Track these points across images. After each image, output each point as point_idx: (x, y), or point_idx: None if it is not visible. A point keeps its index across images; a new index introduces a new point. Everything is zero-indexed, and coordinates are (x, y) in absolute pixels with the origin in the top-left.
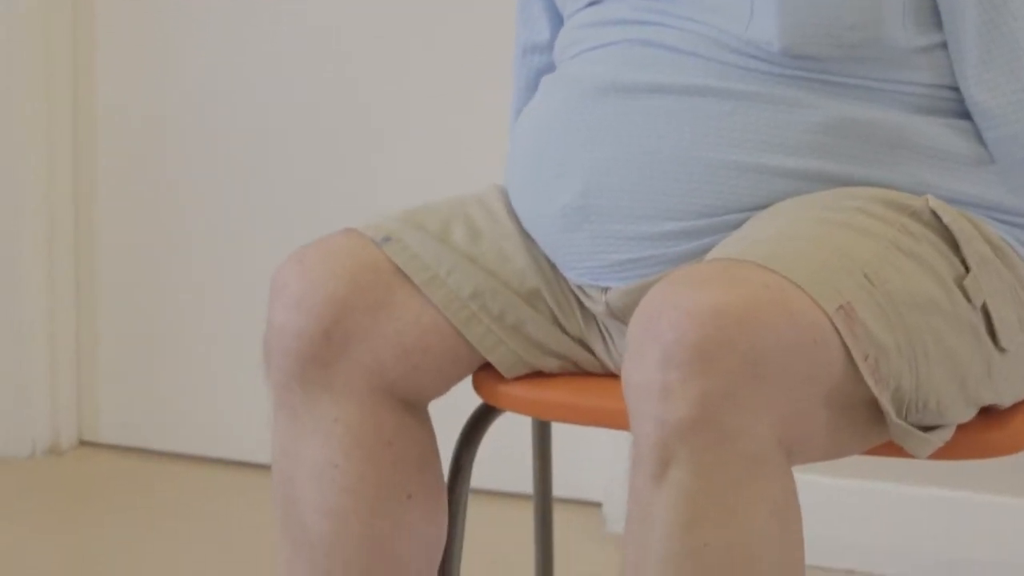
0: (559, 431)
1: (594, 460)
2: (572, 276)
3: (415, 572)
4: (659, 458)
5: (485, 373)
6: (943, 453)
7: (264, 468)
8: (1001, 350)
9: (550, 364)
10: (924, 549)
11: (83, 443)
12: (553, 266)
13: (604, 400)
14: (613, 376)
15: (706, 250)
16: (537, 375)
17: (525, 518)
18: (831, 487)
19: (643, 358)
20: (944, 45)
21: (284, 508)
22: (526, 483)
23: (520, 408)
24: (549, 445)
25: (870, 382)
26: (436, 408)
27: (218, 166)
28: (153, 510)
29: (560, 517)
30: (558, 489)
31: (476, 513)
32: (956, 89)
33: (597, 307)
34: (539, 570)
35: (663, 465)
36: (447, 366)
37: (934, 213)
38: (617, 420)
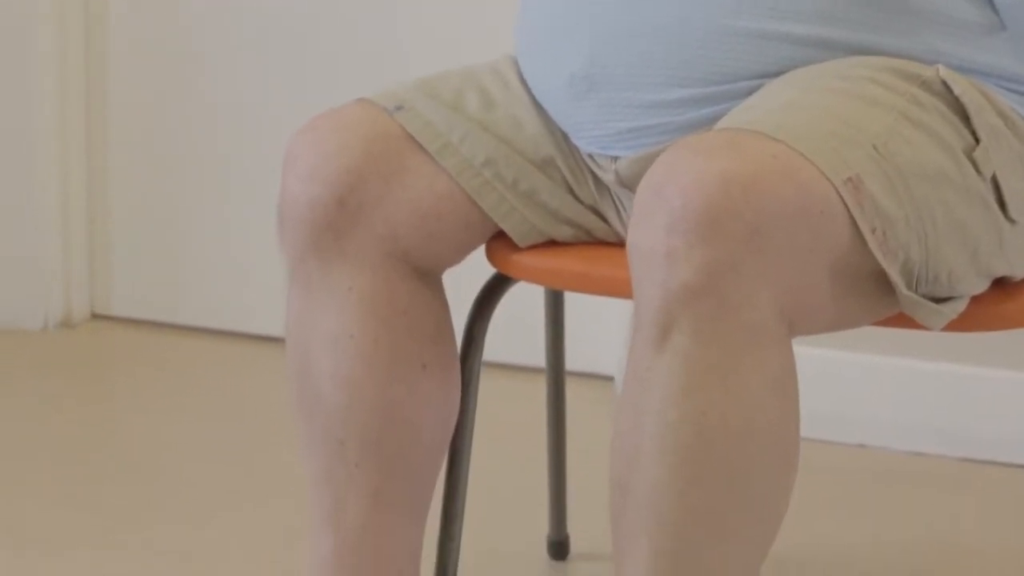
0: (572, 304)
1: (607, 334)
2: (582, 145)
3: (429, 442)
4: (661, 324)
5: (498, 242)
6: (956, 325)
7: (278, 341)
8: (1011, 221)
9: (564, 232)
10: (935, 424)
11: (95, 316)
12: (566, 135)
13: (617, 269)
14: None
15: (715, 119)
16: (550, 244)
17: (538, 391)
18: (844, 361)
19: (649, 224)
20: None
21: (299, 378)
22: (539, 357)
23: (533, 277)
24: (562, 317)
25: (877, 255)
26: (449, 281)
27: (233, 36)
28: (166, 383)
29: (573, 391)
30: (571, 363)
31: (489, 386)
32: None
33: (608, 176)
34: (551, 443)
35: (664, 331)
36: (461, 233)
37: (945, 83)
38: (628, 290)
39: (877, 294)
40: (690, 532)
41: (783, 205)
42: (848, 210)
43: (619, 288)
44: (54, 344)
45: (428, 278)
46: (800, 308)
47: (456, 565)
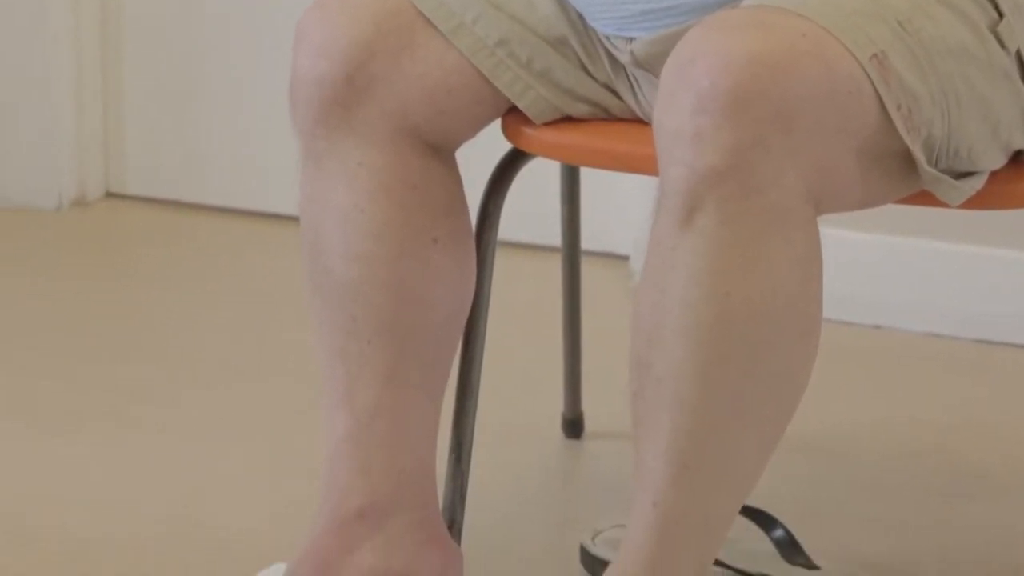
0: (587, 184)
1: (622, 214)
2: (598, 27)
3: (443, 318)
4: (686, 204)
5: (514, 118)
6: (975, 203)
7: (293, 220)
8: None
9: (580, 110)
10: (951, 306)
11: (110, 195)
12: (580, 15)
13: (634, 145)
14: (643, 122)
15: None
16: (566, 121)
17: (553, 271)
18: (860, 242)
19: (676, 103)
20: None
21: (311, 255)
22: (555, 236)
23: (549, 152)
24: (578, 195)
25: (902, 131)
26: (465, 158)
27: None
28: (180, 262)
29: (588, 270)
30: (586, 242)
31: (505, 266)
32: None
33: (623, 56)
34: (567, 322)
35: (689, 211)
36: (472, 108)
37: None
38: (646, 165)
39: (900, 172)
40: (710, 410)
41: (811, 86)
42: (874, 88)
43: (636, 164)
44: (68, 223)
45: (440, 154)
46: (826, 188)
47: (471, 442)
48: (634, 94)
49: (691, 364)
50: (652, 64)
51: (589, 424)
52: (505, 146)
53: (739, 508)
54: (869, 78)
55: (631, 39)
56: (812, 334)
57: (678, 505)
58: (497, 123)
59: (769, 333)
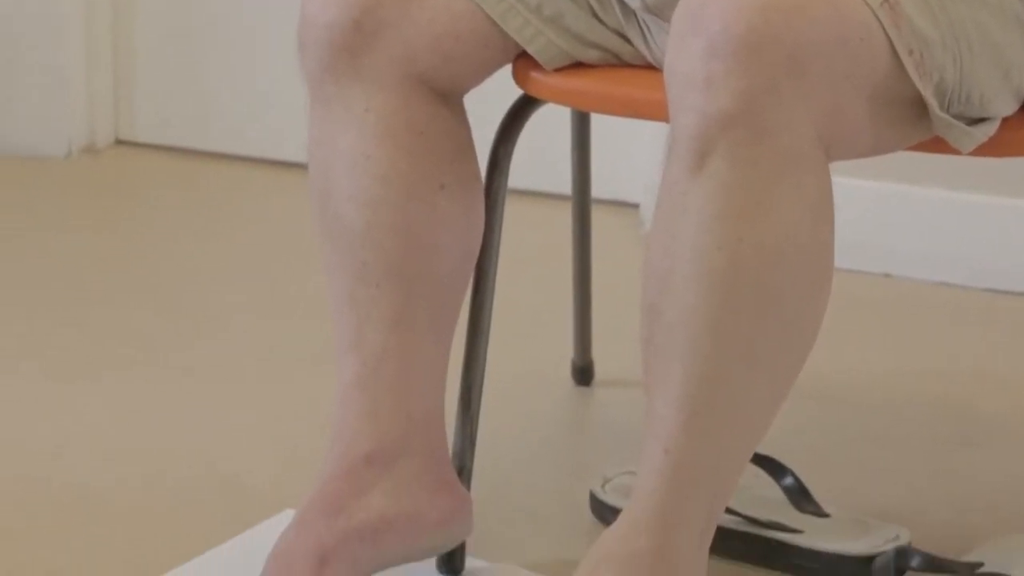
0: (598, 131)
1: (633, 161)
2: None
3: (451, 264)
4: (698, 150)
5: (525, 63)
6: (986, 150)
7: (302, 166)
8: None
9: (591, 55)
10: (962, 255)
11: (119, 142)
12: None
13: (646, 91)
14: (654, 68)
15: None
16: (578, 67)
17: (564, 218)
18: (870, 191)
19: (687, 48)
20: None
21: (320, 201)
22: (566, 184)
23: (559, 98)
24: (588, 142)
25: (914, 77)
26: (476, 105)
27: None
28: (190, 209)
29: (598, 218)
30: (597, 190)
31: (515, 213)
32: None
33: (634, 2)
34: (576, 269)
35: (701, 157)
36: (480, 54)
37: None
38: (657, 112)
39: (912, 118)
40: (722, 357)
41: (823, 31)
42: (885, 33)
43: (647, 110)
44: (78, 170)
45: (448, 100)
46: (838, 134)
47: (481, 388)
48: (645, 40)
49: (702, 310)
50: (663, 9)
51: (599, 371)
52: (516, 92)
53: (750, 455)
54: (880, 23)
55: None
56: (824, 280)
57: (689, 452)
58: (508, 70)
59: (781, 279)
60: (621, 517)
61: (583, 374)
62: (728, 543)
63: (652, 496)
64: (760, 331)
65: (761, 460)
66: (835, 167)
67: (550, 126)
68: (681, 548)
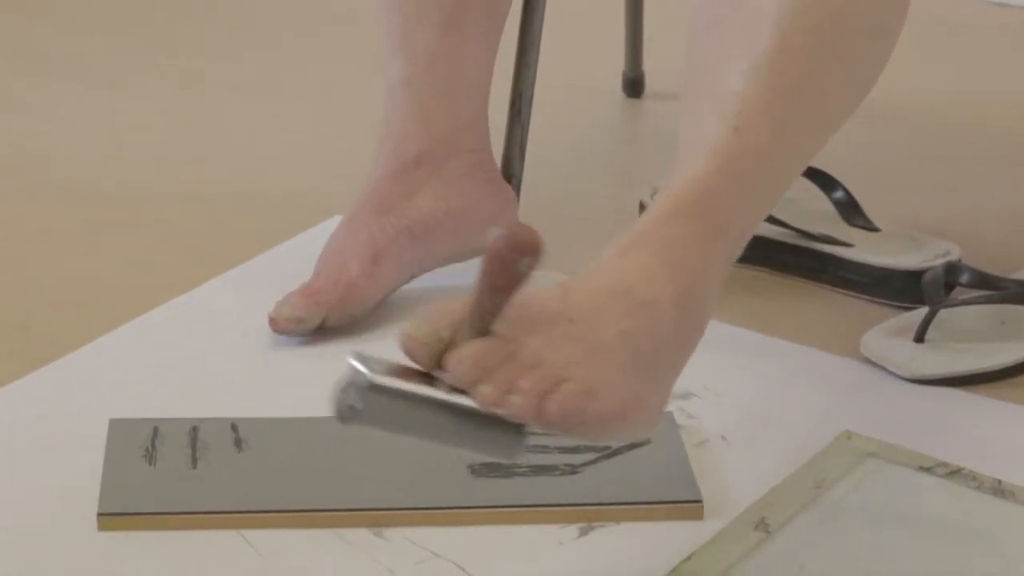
0: None
1: None
2: None
3: None
4: None
5: None
6: None
7: None
8: None
9: None
10: None
11: None
12: None
13: None
14: None
15: None
16: None
17: None
18: None
19: None
20: None
21: None
22: None
23: None
24: None
25: None
26: None
27: None
28: None
29: None
30: None
31: None
32: None
33: None
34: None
35: None
36: None
37: None
38: None
39: None
40: (785, 72)
41: None
42: None
43: None
44: None
45: None
46: None
47: (531, 95)
48: None
49: (769, 24)
50: None
51: (650, 83)
52: None
53: (814, 156)
54: None
55: None
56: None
57: (765, 134)
58: None
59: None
60: (661, 195)
61: (634, 86)
62: (777, 255)
63: (704, 180)
64: (828, 53)
65: (812, 173)
66: None
67: None
68: (718, 251)
